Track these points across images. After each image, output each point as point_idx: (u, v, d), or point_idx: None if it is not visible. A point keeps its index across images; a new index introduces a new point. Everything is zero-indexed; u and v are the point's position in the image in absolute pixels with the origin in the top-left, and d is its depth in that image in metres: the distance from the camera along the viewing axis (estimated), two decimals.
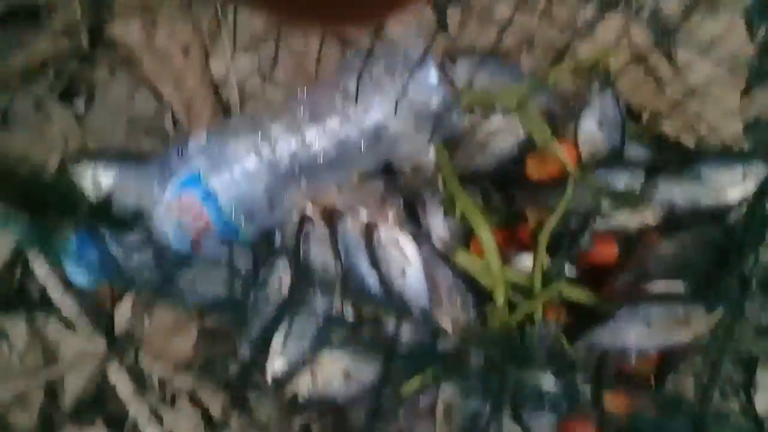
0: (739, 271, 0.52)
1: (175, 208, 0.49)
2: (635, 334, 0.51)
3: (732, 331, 0.49)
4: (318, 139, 0.50)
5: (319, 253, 0.60)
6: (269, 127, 0.50)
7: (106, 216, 0.53)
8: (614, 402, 0.50)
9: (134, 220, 0.50)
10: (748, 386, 0.62)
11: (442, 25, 0.64)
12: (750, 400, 0.61)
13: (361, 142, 0.51)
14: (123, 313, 0.61)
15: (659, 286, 0.51)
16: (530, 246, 0.55)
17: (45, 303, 0.62)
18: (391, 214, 0.59)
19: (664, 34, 0.62)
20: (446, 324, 0.57)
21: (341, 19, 0.20)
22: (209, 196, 0.49)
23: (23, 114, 0.65)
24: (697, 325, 0.50)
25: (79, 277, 0.53)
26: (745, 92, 0.63)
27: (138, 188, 0.51)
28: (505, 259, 0.56)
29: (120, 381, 0.60)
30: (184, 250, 0.51)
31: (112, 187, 0.53)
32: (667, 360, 0.52)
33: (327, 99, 0.50)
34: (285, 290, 0.59)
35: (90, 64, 0.65)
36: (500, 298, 0.53)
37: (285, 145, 0.50)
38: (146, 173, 0.52)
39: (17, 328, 0.62)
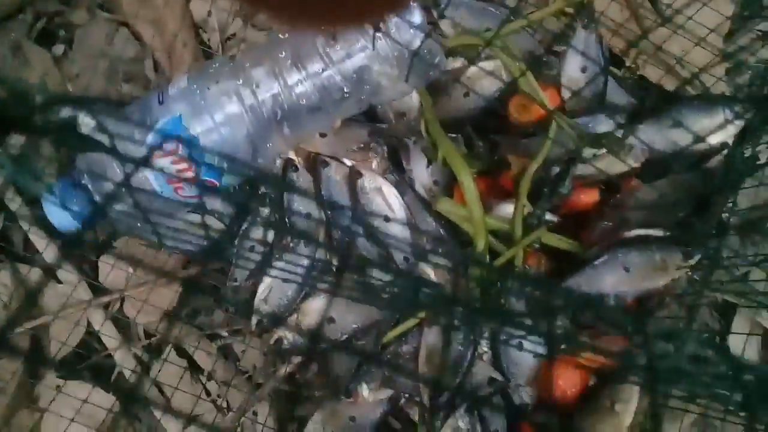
0: (717, 217, 0.52)
1: (156, 155, 0.49)
2: (613, 280, 0.51)
3: (708, 277, 0.50)
4: (300, 82, 0.49)
5: (303, 201, 0.59)
6: (250, 71, 0.49)
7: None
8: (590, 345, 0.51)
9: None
10: (724, 332, 0.64)
11: None
12: (725, 345, 0.62)
13: (343, 86, 0.50)
14: (107, 262, 0.61)
15: (638, 232, 0.51)
16: (513, 193, 0.55)
17: (28, 252, 0.62)
18: (374, 162, 0.59)
19: None
20: (428, 270, 0.58)
21: (340, 17, 0.20)
22: (191, 142, 0.49)
23: (0, 58, 0.64)
24: (674, 270, 0.50)
25: (63, 223, 0.53)
26: (729, 35, 0.62)
27: (119, 131, 0.50)
28: (488, 207, 0.56)
29: (105, 330, 0.61)
30: (167, 195, 0.51)
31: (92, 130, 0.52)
32: (645, 305, 0.53)
33: (309, 41, 0.49)
34: (269, 238, 0.59)
35: (68, 7, 0.64)
36: (480, 245, 0.54)
37: (267, 90, 0.49)
38: (129, 116, 0.51)
39: (1, 277, 0.62)
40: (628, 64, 0.58)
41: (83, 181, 0.51)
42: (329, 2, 0.18)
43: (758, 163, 0.59)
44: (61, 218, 0.54)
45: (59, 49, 0.65)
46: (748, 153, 0.59)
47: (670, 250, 0.50)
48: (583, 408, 0.52)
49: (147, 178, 0.50)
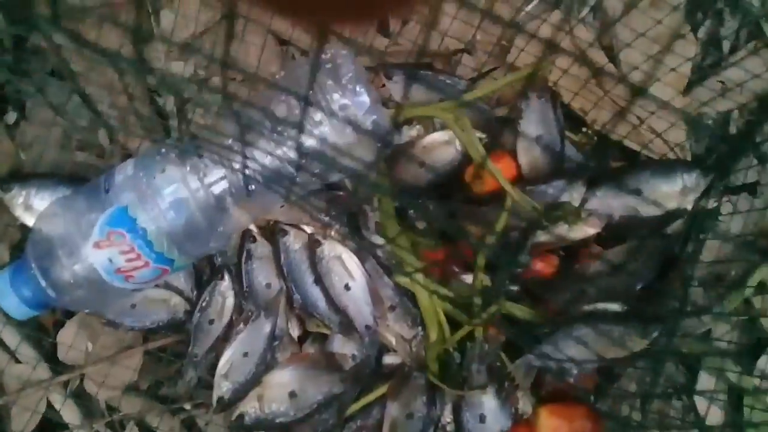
0: (676, 287, 0.52)
1: (104, 245, 0.48)
2: (571, 352, 0.51)
3: (667, 351, 0.50)
4: (248, 166, 0.48)
5: (262, 271, 0.59)
6: (197, 158, 0.48)
7: None
8: (552, 421, 0.51)
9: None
10: (689, 386, 0.64)
11: (383, 28, 0.62)
12: (692, 402, 0.62)
13: (295, 167, 0.49)
14: (65, 339, 0.61)
15: (595, 306, 0.51)
16: (472, 262, 0.55)
17: None
18: (333, 229, 0.59)
19: (606, 32, 0.60)
20: (390, 340, 0.57)
21: (343, 18, 0.19)
22: (137, 231, 0.48)
23: None
24: (631, 346, 0.50)
25: (16, 311, 0.52)
26: (687, 90, 0.62)
27: (66, 223, 0.49)
28: (448, 277, 0.55)
29: (66, 408, 0.60)
30: (117, 284, 0.50)
31: (40, 219, 0.52)
32: (605, 376, 0.53)
33: (257, 123, 0.48)
34: (228, 310, 0.58)
35: (20, 75, 0.62)
36: (433, 331, 0.53)
37: (214, 175, 0.48)
38: (75, 205, 0.50)
39: None
40: (589, 123, 0.57)
41: (32, 270, 0.50)
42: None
43: (719, 218, 0.60)
44: (12, 306, 0.52)
45: (11, 117, 0.64)
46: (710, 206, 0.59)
47: (627, 326, 0.50)
48: None
49: (95, 269, 0.49)
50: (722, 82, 0.63)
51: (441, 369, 0.55)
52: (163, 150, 0.50)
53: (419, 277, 0.54)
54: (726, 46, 0.64)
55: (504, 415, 0.53)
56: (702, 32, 0.64)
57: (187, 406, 0.61)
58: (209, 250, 0.55)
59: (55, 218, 0.50)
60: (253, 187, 0.49)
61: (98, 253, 0.48)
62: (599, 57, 0.61)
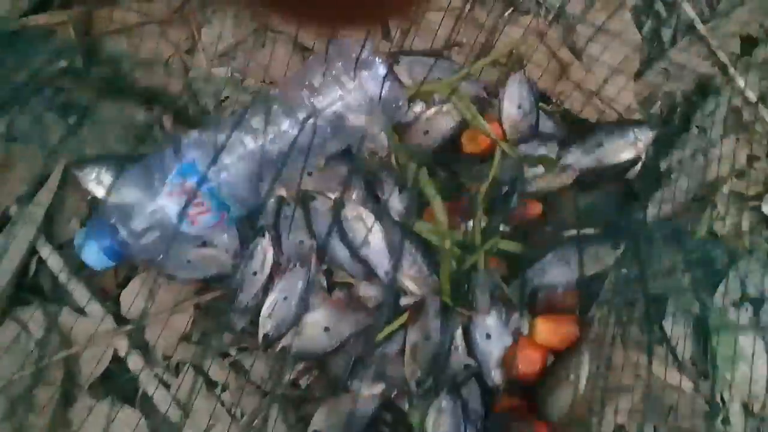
0: (636, 216, 0.64)
1: (176, 194, 0.59)
2: (557, 272, 0.63)
3: (634, 261, 0.62)
4: (290, 129, 0.61)
5: (295, 230, 0.70)
6: (250, 121, 0.60)
7: None
8: (546, 326, 0.62)
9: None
10: (660, 318, 0.75)
11: (386, 33, 0.76)
12: (663, 330, 0.74)
13: (326, 131, 0.62)
14: (127, 297, 0.71)
15: (574, 232, 0.63)
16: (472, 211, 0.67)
17: (57, 294, 0.71)
18: (354, 194, 0.70)
19: (569, 31, 0.75)
20: (406, 282, 0.68)
21: (348, 20, 0.20)
22: (204, 182, 0.59)
23: (24, 128, 0.74)
24: (606, 259, 0.62)
25: (96, 261, 0.62)
26: (637, 76, 0.76)
27: (139, 181, 0.61)
28: (453, 226, 0.67)
29: (129, 357, 0.69)
30: (185, 230, 0.61)
31: (118, 181, 0.63)
32: (587, 291, 0.64)
33: (295, 95, 0.60)
34: (268, 264, 0.69)
35: (84, 81, 0.75)
36: (445, 264, 0.65)
37: (265, 136, 0.61)
38: (146, 168, 0.62)
39: (34, 318, 0.70)
40: (554, 100, 0.71)
41: (112, 221, 0.61)
42: (338, 5, 0.19)
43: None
44: (92, 256, 0.63)
45: (75, 118, 0.76)
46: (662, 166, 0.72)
47: (601, 243, 0.62)
48: (544, 382, 0.62)
49: (168, 214, 0.60)
50: (666, 69, 0.78)
51: (452, 296, 0.65)
52: (221, 119, 0.62)
53: (431, 225, 0.66)
54: (666, 38, 0.79)
55: (506, 333, 0.64)
56: (646, 30, 0.79)
57: (233, 352, 0.70)
58: (257, 203, 0.66)
59: (132, 178, 0.62)
60: (294, 147, 0.61)
61: (170, 201, 0.60)
62: (564, 53, 0.76)
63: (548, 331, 0.62)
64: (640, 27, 0.78)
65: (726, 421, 0.73)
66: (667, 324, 0.73)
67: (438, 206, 0.63)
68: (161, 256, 0.63)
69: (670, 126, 0.72)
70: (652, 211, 0.70)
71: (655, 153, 0.71)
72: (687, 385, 0.72)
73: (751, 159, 0.76)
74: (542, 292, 0.64)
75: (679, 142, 0.73)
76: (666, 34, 0.79)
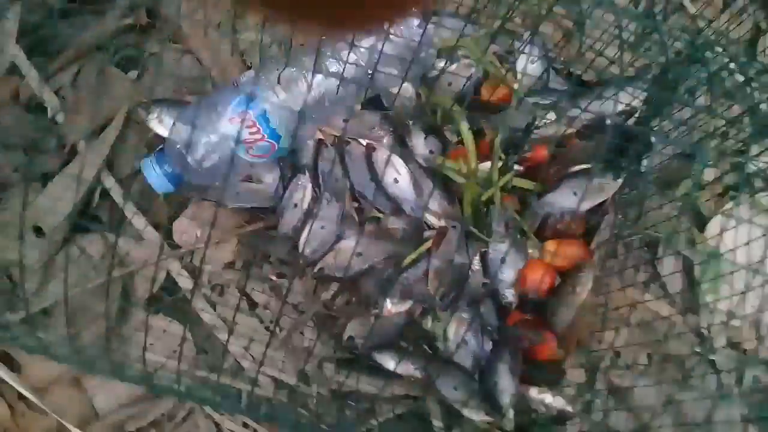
0: (633, 155, 0.74)
1: (236, 120, 0.68)
2: (566, 201, 0.72)
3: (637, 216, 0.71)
4: (338, 71, 0.70)
5: (332, 170, 0.79)
6: (303, 60, 0.69)
7: None
8: (555, 245, 0.71)
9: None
10: (653, 257, 0.84)
11: None
12: (655, 268, 0.83)
13: (365, 75, 0.71)
14: (179, 227, 0.79)
15: (580, 167, 0.72)
16: (489, 154, 0.76)
17: (116, 223, 0.79)
18: (385, 139, 0.79)
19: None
20: (429, 216, 0.77)
21: (345, 22, 0.20)
22: (261, 112, 0.68)
23: (88, 80, 0.83)
24: (608, 189, 0.71)
25: (159, 185, 0.71)
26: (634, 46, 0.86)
27: (201, 114, 0.70)
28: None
29: (180, 277, 0.77)
30: (241, 155, 0.70)
31: (177, 118, 0.72)
32: (592, 219, 0.73)
33: (341, 41, 0.70)
34: (307, 198, 0.78)
35: (145, 39, 0.84)
36: (467, 194, 0.73)
37: (315, 75, 0.70)
38: (207, 104, 0.71)
39: (94, 244, 0.78)
40: (561, 59, 0.81)
41: (177, 147, 0.70)
42: (338, 8, 0.19)
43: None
44: (157, 180, 0.72)
45: (134, 73, 0.85)
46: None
47: (603, 175, 0.71)
48: (552, 297, 0.71)
49: (227, 139, 0.69)
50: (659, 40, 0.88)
51: (473, 219, 0.74)
52: (278, 59, 0.71)
53: (454, 163, 0.75)
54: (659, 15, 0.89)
55: (519, 257, 0.73)
56: (641, 7, 0.89)
57: (273, 277, 0.79)
58: (303, 138, 0.75)
59: (194, 111, 0.71)
60: (336, 92, 0.70)
61: (230, 127, 0.68)
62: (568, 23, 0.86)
63: (556, 252, 0.71)
64: (636, 4, 0.88)
65: (711, 349, 0.82)
66: (659, 264, 0.82)
67: (468, 137, 0.72)
68: (217, 182, 0.72)
69: (661, 87, 0.82)
70: (645, 162, 0.79)
71: (648, 112, 0.80)
72: (677, 317, 0.81)
73: (732, 121, 0.86)
74: (551, 219, 0.72)
75: (667, 105, 0.83)
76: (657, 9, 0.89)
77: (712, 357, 0.81)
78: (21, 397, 0.73)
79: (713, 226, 0.82)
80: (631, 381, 0.78)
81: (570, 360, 0.71)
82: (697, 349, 0.81)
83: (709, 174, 0.86)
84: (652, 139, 0.74)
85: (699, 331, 0.81)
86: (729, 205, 0.83)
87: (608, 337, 0.78)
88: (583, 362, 0.75)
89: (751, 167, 0.84)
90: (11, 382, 0.71)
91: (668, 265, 0.83)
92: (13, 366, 0.73)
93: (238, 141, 0.68)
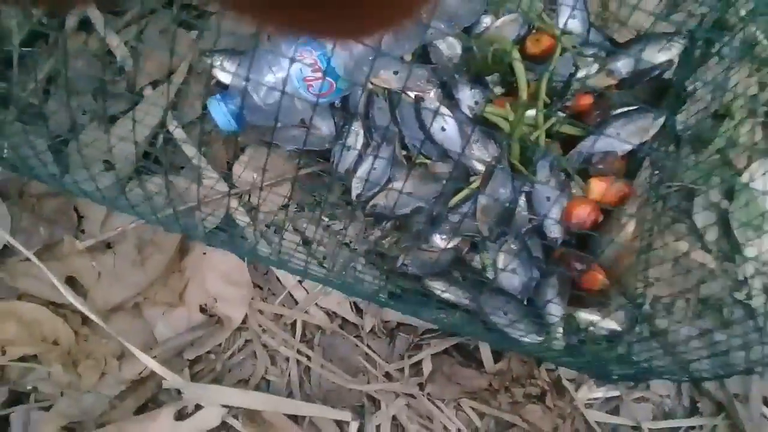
0: (672, 99, 0.77)
1: (298, 58, 0.72)
2: (608, 141, 0.75)
3: (672, 129, 0.75)
4: None
5: (382, 117, 0.83)
6: None
7: None
8: (599, 184, 0.74)
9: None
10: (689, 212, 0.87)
11: None
12: (692, 220, 0.86)
13: (410, 35, 0.76)
14: (238, 169, 0.83)
15: (621, 110, 0.76)
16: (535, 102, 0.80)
17: (178, 165, 0.83)
18: (433, 91, 0.84)
19: None
20: (474, 161, 0.81)
21: (342, 30, 0.20)
22: (322, 51, 0.73)
23: (152, 37, 0.88)
24: (651, 128, 0.75)
25: (223, 123, 0.75)
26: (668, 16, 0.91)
27: (264, 55, 0.74)
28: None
29: (238, 213, 0.81)
30: (302, 92, 0.74)
31: (242, 58, 0.76)
32: (633, 159, 0.77)
33: None
34: (360, 142, 0.82)
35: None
36: (520, 117, 0.77)
37: None
38: (271, 44, 0.75)
39: (156, 183, 0.82)
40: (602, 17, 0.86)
41: (243, 84, 0.74)
42: (331, 15, 0.18)
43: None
44: (223, 118, 0.76)
45: (193, 33, 0.90)
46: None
47: (643, 115, 0.75)
48: (597, 231, 0.74)
49: (290, 75, 0.73)
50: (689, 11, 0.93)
51: (520, 161, 0.78)
52: None
53: (500, 109, 0.79)
54: None
55: (564, 195, 0.76)
56: None
57: (326, 218, 0.82)
58: (357, 82, 0.79)
59: (259, 52, 0.75)
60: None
61: (294, 64, 0.73)
62: None
63: (600, 189, 0.74)
64: None
65: (749, 296, 0.84)
66: (696, 216, 0.85)
67: (521, 69, 0.76)
68: (278, 122, 0.76)
69: (694, 49, 0.86)
70: (679, 119, 0.83)
71: (682, 72, 0.85)
72: (714, 264, 0.84)
73: (763, 84, 0.91)
74: (594, 159, 0.76)
75: (701, 67, 0.87)
76: None
77: (748, 302, 0.83)
78: (84, 322, 0.76)
79: (746, 176, 0.85)
80: (671, 324, 0.80)
81: (615, 292, 0.74)
82: (734, 294, 0.83)
83: (742, 131, 0.89)
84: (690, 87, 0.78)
85: (735, 277, 0.84)
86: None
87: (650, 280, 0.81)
88: (625, 300, 0.77)
89: None
90: (78, 306, 0.74)
91: (704, 217, 0.86)
92: (78, 291, 0.76)
93: (299, 80, 0.73)
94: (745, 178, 0.86)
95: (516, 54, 0.76)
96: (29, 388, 0.74)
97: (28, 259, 0.75)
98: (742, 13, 0.89)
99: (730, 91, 0.88)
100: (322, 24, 0.19)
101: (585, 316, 0.70)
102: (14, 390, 0.74)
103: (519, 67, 0.75)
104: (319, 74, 0.74)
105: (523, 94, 0.76)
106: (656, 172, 0.82)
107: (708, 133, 0.88)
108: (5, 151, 0.75)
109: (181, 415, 0.72)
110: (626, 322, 0.73)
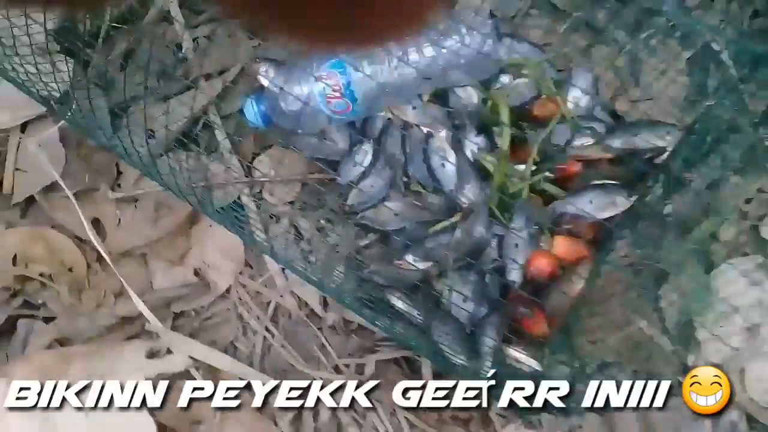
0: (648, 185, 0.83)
1: (323, 78, 0.84)
2: (581, 206, 0.82)
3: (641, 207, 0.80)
4: (416, 63, 0.85)
5: (393, 145, 0.93)
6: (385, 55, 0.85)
7: None
8: (562, 242, 0.81)
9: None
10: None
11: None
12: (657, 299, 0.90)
13: (435, 74, 0.86)
14: (258, 164, 0.94)
15: (599, 181, 0.83)
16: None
17: (210, 150, 0.96)
18: (443, 131, 0.93)
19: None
20: (463, 198, 0.89)
21: (350, 41, 0.20)
22: (345, 74, 0.84)
23: (220, 39, 1.02)
24: (620, 205, 0.81)
25: (253, 120, 0.87)
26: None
27: (296, 70, 0.86)
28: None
29: (245, 197, 0.93)
30: (321, 107, 0.85)
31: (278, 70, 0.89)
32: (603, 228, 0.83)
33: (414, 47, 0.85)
34: (367, 161, 0.91)
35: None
36: (496, 183, 0.85)
37: (397, 64, 0.85)
38: (304, 63, 0.87)
39: (187, 160, 0.95)
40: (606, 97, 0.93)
41: (275, 91, 0.86)
42: (345, 26, 0.18)
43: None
44: (252, 116, 0.88)
45: (256, 42, 1.04)
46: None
47: (618, 192, 0.81)
48: (551, 283, 0.80)
49: (313, 91, 0.84)
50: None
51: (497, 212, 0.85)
52: None
53: (494, 160, 0.87)
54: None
55: (531, 245, 0.83)
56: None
57: (322, 220, 0.92)
58: (374, 110, 0.90)
59: (293, 67, 0.87)
60: (413, 76, 0.85)
61: (318, 83, 0.84)
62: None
63: (563, 246, 0.81)
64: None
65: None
66: (662, 294, 0.90)
67: (506, 132, 0.84)
68: (299, 129, 0.87)
69: (695, 142, 0.92)
70: (667, 207, 0.89)
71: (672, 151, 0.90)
72: (667, 344, 0.88)
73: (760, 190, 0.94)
74: (566, 218, 0.83)
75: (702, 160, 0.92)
76: (711, 85, 1.00)
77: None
78: (98, 259, 0.89)
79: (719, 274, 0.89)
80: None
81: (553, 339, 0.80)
82: (680, 378, 0.87)
83: (726, 233, 0.93)
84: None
85: (686, 363, 0.87)
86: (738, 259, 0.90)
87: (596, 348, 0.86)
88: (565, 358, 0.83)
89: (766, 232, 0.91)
90: (96, 244, 0.87)
91: (669, 298, 0.90)
92: (99, 232, 0.89)
93: (321, 96, 0.84)
94: (714, 274, 0.90)
95: (504, 112, 0.84)
96: (39, 302, 0.87)
97: (67, 197, 0.89)
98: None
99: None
100: (332, 33, 0.19)
101: (513, 352, 0.76)
102: (28, 301, 0.87)
103: (504, 123, 0.83)
104: (339, 94, 0.85)
105: (504, 147, 0.84)
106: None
107: (693, 224, 0.93)
108: (72, 108, 0.89)
109: (152, 355, 0.83)
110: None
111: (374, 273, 0.85)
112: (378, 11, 0.18)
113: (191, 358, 0.84)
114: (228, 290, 0.89)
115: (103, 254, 0.86)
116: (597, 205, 0.82)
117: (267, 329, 0.87)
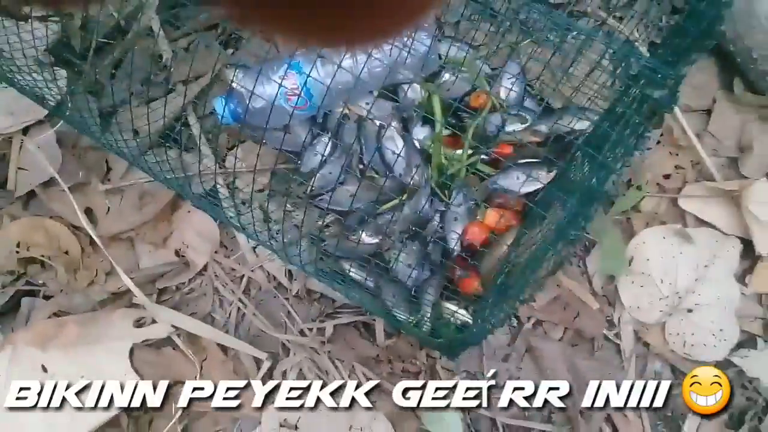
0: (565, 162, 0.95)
1: (284, 79, 0.96)
2: (510, 182, 0.94)
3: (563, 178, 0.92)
4: (365, 64, 0.97)
5: (349, 136, 1.05)
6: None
7: None
8: (493, 214, 0.92)
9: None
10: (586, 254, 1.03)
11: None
12: (585, 264, 1.01)
13: (383, 75, 0.98)
14: (233, 156, 1.07)
15: (524, 160, 0.95)
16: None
17: (188, 147, 1.08)
18: (394, 122, 1.05)
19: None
20: (411, 181, 1.01)
21: (353, 36, 0.20)
22: (303, 75, 0.96)
23: (197, 50, 1.15)
24: (542, 179, 0.93)
25: (224, 117, 1.00)
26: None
27: (260, 71, 0.98)
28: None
29: (221, 189, 1.05)
30: (283, 103, 0.97)
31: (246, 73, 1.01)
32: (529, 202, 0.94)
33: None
34: (326, 151, 1.04)
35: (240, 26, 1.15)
36: (437, 166, 0.97)
37: (349, 63, 0.97)
38: (267, 65, 1.00)
39: (169, 156, 1.07)
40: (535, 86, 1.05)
41: (241, 91, 0.98)
42: (342, 22, 0.18)
43: None
44: (222, 113, 1.00)
45: (230, 51, 1.17)
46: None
47: (540, 168, 0.93)
48: (484, 250, 0.92)
49: (275, 90, 0.97)
50: None
51: (438, 186, 0.97)
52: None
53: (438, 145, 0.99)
54: None
55: (468, 217, 0.95)
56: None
57: (289, 206, 1.04)
58: (329, 107, 1.02)
59: (258, 69, 1.00)
60: (365, 76, 0.97)
61: (279, 83, 0.97)
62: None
63: (493, 218, 0.92)
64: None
65: (617, 335, 0.99)
66: (589, 261, 1.01)
67: (438, 106, 0.97)
68: (264, 124, 0.99)
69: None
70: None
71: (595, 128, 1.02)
72: (594, 304, 1.00)
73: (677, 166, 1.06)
74: (496, 194, 0.94)
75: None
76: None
77: (618, 342, 0.98)
78: (90, 243, 1.01)
79: (637, 240, 1.01)
80: (545, 345, 0.96)
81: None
82: (605, 332, 0.98)
83: (646, 204, 1.05)
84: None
85: (611, 319, 0.99)
86: (657, 227, 1.02)
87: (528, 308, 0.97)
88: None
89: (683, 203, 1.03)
90: (89, 230, 0.99)
91: (595, 263, 1.01)
92: (91, 219, 1.01)
93: (282, 94, 0.96)
94: (635, 241, 1.01)
95: (437, 105, 0.97)
96: (40, 282, 0.99)
97: (63, 191, 1.01)
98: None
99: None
100: (334, 31, 0.19)
101: (449, 306, 0.88)
102: (30, 281, 0.99)
103: (437, 109, 0.96)
104: (297, 91, 0.97)
105: (438, 133, 0.96)
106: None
107: (617, 196, 1.05)
108: (68, 108, 1.02)
109: (138, 325, 0.95)
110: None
111: (333, 247, 0.96)
112: (378, 11, 0.19)
113: (173, 326, 0.95)
114: (205, 267, 1.01)
115: (95, 239, 0.99)
116: (522, 181, 0.94)
117: (240, 300, 0.99)
